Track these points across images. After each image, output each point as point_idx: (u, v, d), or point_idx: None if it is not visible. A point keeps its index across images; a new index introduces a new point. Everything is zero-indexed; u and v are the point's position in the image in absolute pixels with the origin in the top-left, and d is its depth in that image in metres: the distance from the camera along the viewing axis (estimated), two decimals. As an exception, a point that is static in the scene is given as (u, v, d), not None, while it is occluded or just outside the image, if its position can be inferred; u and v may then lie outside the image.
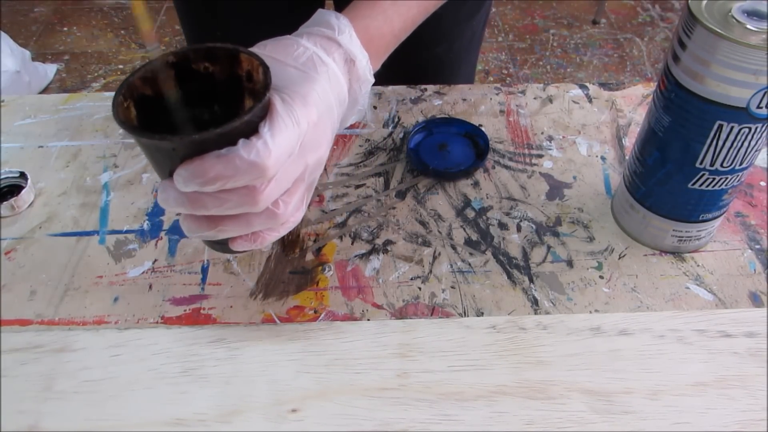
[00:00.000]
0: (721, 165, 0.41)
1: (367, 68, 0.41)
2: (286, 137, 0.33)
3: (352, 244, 0.49)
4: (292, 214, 0.37)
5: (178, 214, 0.39)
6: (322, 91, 0.37)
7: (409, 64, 0.66)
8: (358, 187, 0.54)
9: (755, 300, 0.45)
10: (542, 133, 0.59)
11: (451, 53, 0.74)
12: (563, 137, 0.58)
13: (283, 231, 0.38)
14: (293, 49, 0.38)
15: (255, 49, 0.38)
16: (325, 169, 0.55)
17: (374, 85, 0.63)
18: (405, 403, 0.39)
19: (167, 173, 0.34)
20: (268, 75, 0.34)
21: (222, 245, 0.38)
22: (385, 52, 0.45)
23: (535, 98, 0.63)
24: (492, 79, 2.02)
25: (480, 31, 0.77)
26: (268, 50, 0.38)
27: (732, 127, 0.39)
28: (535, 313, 0.44)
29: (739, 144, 0.40)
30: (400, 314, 0.44)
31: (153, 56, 0.35)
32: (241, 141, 0.32)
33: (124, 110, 0.34)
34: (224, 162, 0.32)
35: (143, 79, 0.35)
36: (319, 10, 0.43)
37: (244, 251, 0.41)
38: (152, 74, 0.36)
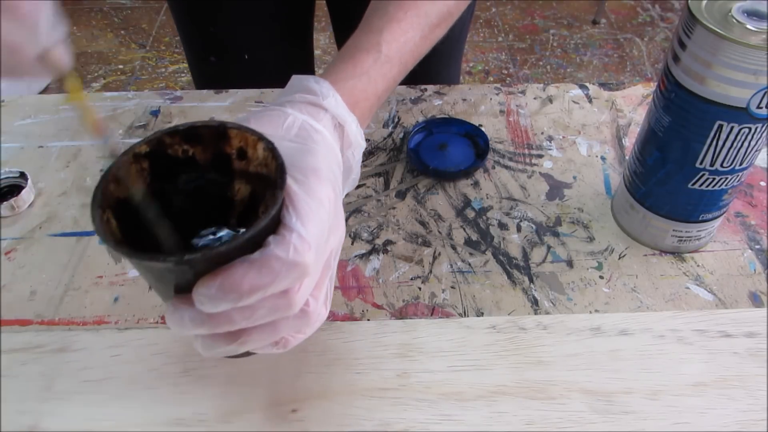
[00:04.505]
0: (721, 165, 0.41)
1: (358, 132, 0.38)
2: (317, 223, 0.29)
3: (352, 244, 0.49)
4: (319, 312, 0.32)
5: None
6: (327, 162, 0.33)
7: None
8: (358, 187, 0.54)
9: (755, 300, 0.45)
10: (542, 133, 0.59)
11: (442, 45, 0.74)
12: (563, 137, 0.58)
13: (310, 332, 0.33)
14: (281, 120, 0.34)
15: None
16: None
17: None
18: (405, 403, 0.39)
19: (172, 291, 0.29)
20: (278, 153, 0.29)
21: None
22: (370, 115, 0.42)
23: (535, 98, 0.63)
24: (492, 79, 2.02)
25: (468, 22, 0.78)
26: (252, 125, 0.33)
27: (732, 127, 0.39)
28: (535, 313, 0.44)
29: (739, 144, 0.40)
30: (400, 314, 0.44)
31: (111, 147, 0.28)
32: (270, 239, 0.28)
33: (106, 225, 0.28)
34: (258, 268, 0.27)
35: (116, 180, 0.30)
36: (294, 76, 0.39)
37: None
38: (125, 173, 0.30)
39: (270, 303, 0.28)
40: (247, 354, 0.35)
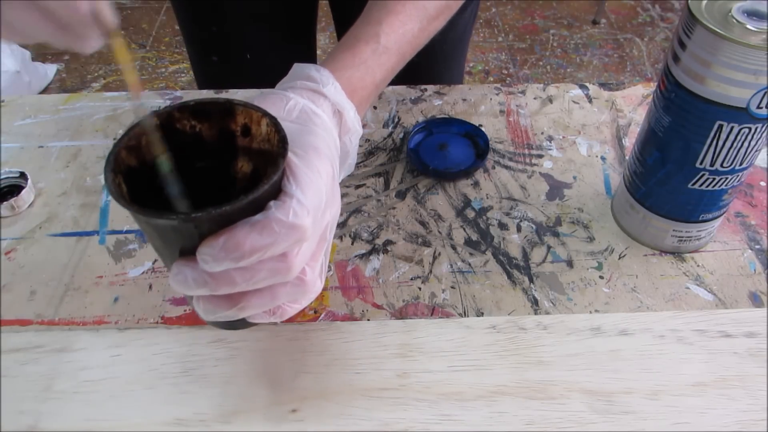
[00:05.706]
0: (721, 165, 0.41)
1: (355, 119, 0.40)
2: (315, 192, 0.31)
3: (352, 244, 0.49)
4: (315, 282, 0.33)
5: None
6: (325, 142, 0.35)
7: None
8: (358, 187, 0.54)
9: (755, 300, 0.45)
10: (542, 133, 0.59)
11: (445, 45, 0.74)
12: (563, 137, 0.58)
13: (305, 302, 0.35)
14: (283, 103, 0.36)
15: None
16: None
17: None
18: (405, 403, 0.39)
19: (177, 252, 0.30)
20: (280, 127, 0.31)
21: (231, 322, 0.34)
22: (367, 103, 0.43)
23: (535, 98, 0.63)
24: (492, 79, 2.02)
25: (471, 24, 0.78)
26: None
27: (732, 127, 0.39)
28: (535, 313, 0.44)
29: (739, 144, 0.40)
30: (400, 314, 0.44)
31: (137, 112, 0.31)
32: (272, 203, 0.30)
33: (118, 188, 0.30)
34: (259, 230, 0.29)
35: (128, 149, 0.32)
36: (296, 64, 0.41)
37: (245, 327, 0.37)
38: (137, 142, 0.32)
39: (270, 265, 0.30)
40: (246, 325, 0.36)
